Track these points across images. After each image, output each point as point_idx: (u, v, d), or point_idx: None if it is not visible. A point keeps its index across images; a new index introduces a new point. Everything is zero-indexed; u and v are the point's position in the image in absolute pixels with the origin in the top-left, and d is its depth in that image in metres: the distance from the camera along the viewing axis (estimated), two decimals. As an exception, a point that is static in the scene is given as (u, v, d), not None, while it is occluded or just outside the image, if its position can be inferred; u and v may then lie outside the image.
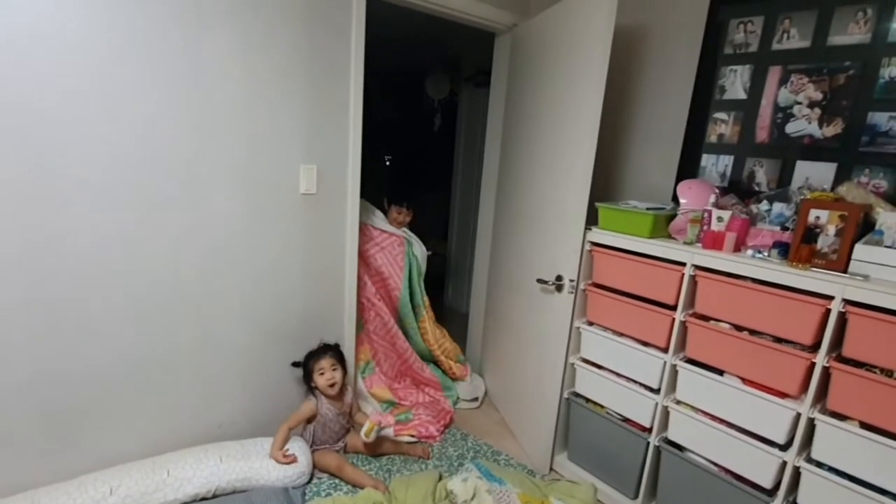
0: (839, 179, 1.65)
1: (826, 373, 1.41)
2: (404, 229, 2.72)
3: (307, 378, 2.08)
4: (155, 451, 1.81)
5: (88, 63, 1.46)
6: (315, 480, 1.99)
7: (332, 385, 2.03)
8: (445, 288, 4.43)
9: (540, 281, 2.08)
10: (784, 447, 1.51)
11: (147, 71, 1.56)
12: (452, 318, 4.10)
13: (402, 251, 2.66)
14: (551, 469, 2.19)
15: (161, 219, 1.68)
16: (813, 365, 1.42)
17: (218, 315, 1.89)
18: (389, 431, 2.13)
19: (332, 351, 2.10)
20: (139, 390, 1.76)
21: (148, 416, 1.80)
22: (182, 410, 1.88)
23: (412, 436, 2.32)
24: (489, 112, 2.80)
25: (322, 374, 2.03)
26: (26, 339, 1.51)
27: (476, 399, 2.73)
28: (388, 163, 6.63)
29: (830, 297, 1.37)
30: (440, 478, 1.95)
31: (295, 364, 2.12)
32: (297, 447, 1.95)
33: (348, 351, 2.28)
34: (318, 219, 2.08)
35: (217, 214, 1.80)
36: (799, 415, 1.46)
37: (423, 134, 5.27)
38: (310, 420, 2.05)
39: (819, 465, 1.43)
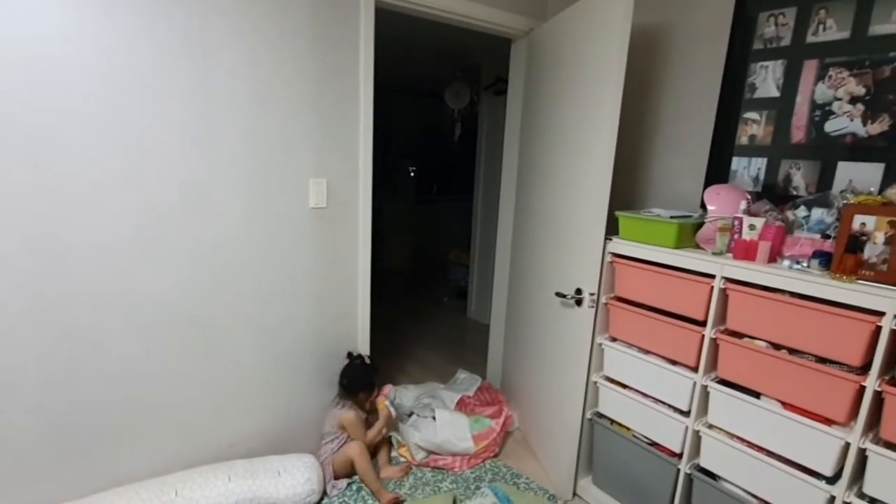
0: (888, 181, 1.49)
1: (878, 398, 1.26)
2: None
3: (363, 386, 2.13)
4: (166, 470, 1.79)
5: (93, 84, 1.47)
6: (325, 501, 1.93)
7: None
8: (468, 299, 4.35)
9: (559, 294, 1.97)
10: (831, 480, 1.35)
11: (153, 90, 1.56)
12: (475, 329, 4.01)
13: None
14: (575, 494, 2.06)
15: (166, 235, 1.67)
16: (863, 389, 1.27)
17: (227, 333, 1.86)
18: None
19: None
20: (149, 409, 1.75)
21: (158, 434, 1.78)
22: (193, 429, 1.86)
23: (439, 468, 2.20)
24: (507, 120, 2.73)
25: (374, 398, 2.16)
26: (37, 357, 1.52)
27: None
28: (412, 174, 6.66)
29: (881, 313, 1.22)
30: (454, 501, 1.86)
31: (350, 355, 2.17)
32: (305, 464, 1.90)
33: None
34: (330, 233, 2.04)
35: (224, 229, 1.78)
36: (848, 444, 1.30)
37: (443, 144, 5.25)
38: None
39: (872, 501, 1.27)
